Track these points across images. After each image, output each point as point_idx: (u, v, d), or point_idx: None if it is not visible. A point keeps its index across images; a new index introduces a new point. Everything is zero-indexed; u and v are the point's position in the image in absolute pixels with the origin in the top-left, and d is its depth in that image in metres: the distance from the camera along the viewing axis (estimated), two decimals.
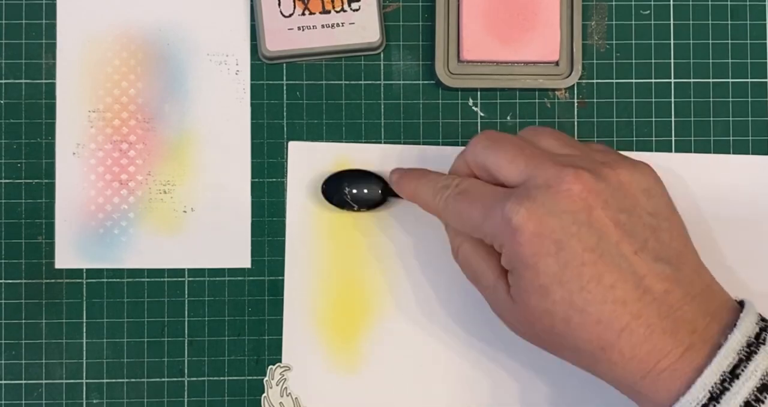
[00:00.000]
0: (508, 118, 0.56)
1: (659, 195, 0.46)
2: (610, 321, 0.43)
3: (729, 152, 0.56)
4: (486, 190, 0.47)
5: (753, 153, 0.56)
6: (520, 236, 0.44)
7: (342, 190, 0.53)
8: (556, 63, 0.55)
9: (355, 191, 0.53)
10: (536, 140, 0.48)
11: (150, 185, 0.55)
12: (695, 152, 0.56)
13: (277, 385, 0.55)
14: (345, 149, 0.55)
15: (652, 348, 0.43)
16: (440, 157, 0.55)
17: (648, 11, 0.56)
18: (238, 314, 0.55)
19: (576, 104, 0.56)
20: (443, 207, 0.48)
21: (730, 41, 0.56)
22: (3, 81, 0.55)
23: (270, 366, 0.55)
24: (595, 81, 0.56)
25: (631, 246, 0.43)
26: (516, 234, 0.44)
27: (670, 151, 0.56)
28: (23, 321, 0.55)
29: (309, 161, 0.55)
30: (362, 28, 0.54)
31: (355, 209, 0.54)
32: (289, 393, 0.54)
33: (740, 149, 0.56)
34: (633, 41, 0.56)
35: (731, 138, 0.56)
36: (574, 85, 0.55)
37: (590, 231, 0.43)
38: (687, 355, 0.42)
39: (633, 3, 0.56)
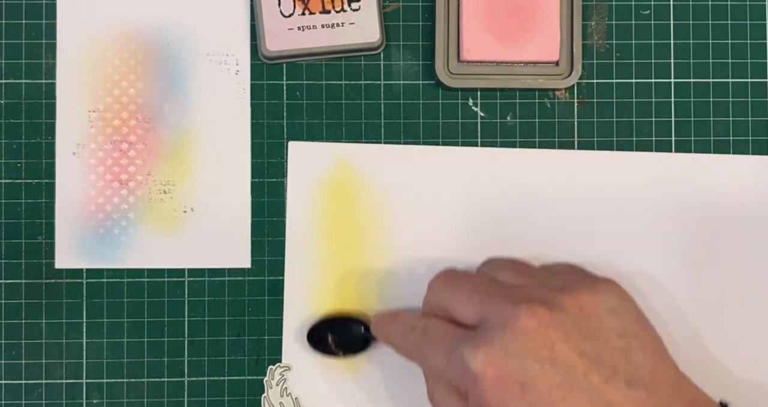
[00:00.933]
0: (508, 118, 0.56)
1: (627, 311, 0.44)
2: None
3: (729, 152, 0.56)
4: (447, 332, 0.46)
5: (753, 153, 0.56)
6: (483, 383, 0.42)
7: (326, 338, 0.53)
8: (556, 63, 0.55)
9: (338, 338, 0.53)
10: (494, 274, 0.48)
11: (150, 185, 0.55)
12: (695, 152, 0.56)
13: (277, 385, 0.55)
14: (345, 149, 0.55)
15: None
16: (439, 157, 0.55)
17: (648, 11, 0.56)
18: (238, 314, 0.55)
19: (576, 104, 0.56)
20: (410, 350, 0.48)
21: (730, 41, 0.56)
22: (3, 81, 0.55)
23: (270, 366, 0.55)
24: (595, 81, 0.56)
25: (601, 375, 0.42)
26: (478, 381, 0.42)
27: (670, 151, 0.56)
28: (23, 321, 0.55)
29: (309, 161, 0.55)
30: (362, 28, 0.54)
31: (340, 355, 0.54)
32: (289, 393, 0.54)
33: (740, 149, 0.56)
34: (633, 41, 0.56)
35: (731, 138, 0.56)
36: (574, 85, 0.55)
37: (554, 367, 0.42)
38: None
39: (633, 3, 0.56)
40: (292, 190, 0.55)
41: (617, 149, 0.55)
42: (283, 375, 0.54)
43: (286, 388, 0.54)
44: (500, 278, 0.47)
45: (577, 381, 0.42)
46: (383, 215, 0.55)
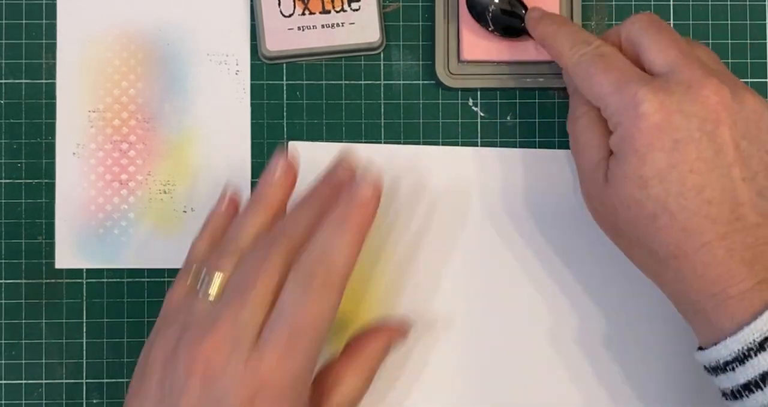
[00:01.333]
0: (508, 118, 0.56)
1: None
2: (694, 233, 0.43)
3: None
4: (626, 65, 0.46)
5: None
6: (642, 122, 0.43)
7: (486, 5, 0.52)
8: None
9: (499, 10, 0.52)
10: (693, 48, 0.47)
11: (150, 185, 0.55)
12: None
13: None
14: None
15: (726, 272, 0.43)
16: (442, 157, 0.55)
17: (648, 11, 0.56)
18: None
19: None
20: (576, 62, 0.47)
21: (730, 41, 0.56)
22: (3, 81, 0.55)
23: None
24: None
25: (742, 173, 0.43)
26: (639, 119, 0.43)
27: None
28: (23, 321, 0.55)
29: (308, 161, 0.55)
30: (362, 28, 0.54)
31: (490, 29, 0.52)
32: None
33: None
34: None
35: None
36: None
37: (710, 143, 0.43)
38: (758, 288, 0.42)
39: (633, 3, 0.56)
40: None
41: None
42: None
43: None
44: (698, 54, 0.47)
45: (720, 165, 0.43)
46: (383, 214, 0.55)
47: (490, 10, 0.52)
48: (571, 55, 0.48)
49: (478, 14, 0.53)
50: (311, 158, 0.55)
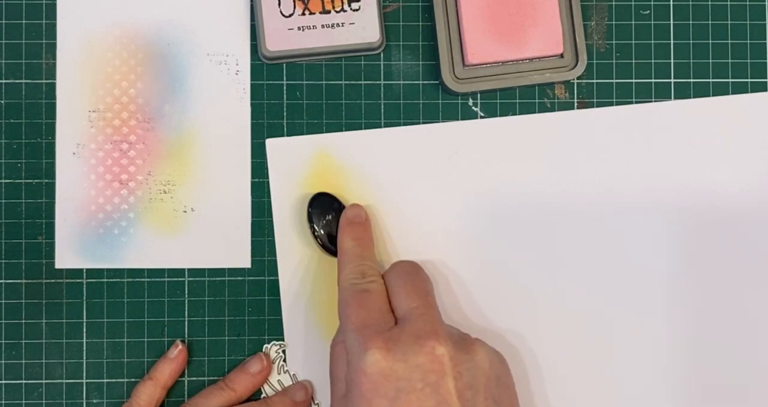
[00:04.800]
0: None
1: (507, 386, 0.48)
2: None
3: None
4: (379, 307, 0.48)
5: None
6: (368, 368, 0.45)
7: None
8: (561, 55, 0.54)
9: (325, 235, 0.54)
10: (432, 293, 0.50)
11: (150, 185, 0.55)
12: None
13: (273, 363, 0.55)
14: (322, 139, 0.55)
15: None
16: (416, 138, 0.55)
17: (648, 11, 0.56)
18: (238, 314, 0.55)
19: (576, 104, 0.56)
20: (343, 288, 0.50)
21: (730, 41, 0.56)
22: (3, 81, 0.55)
23: (265, 345, 0.55)
24: (595, 81, 0.56)
25: None
26: (365, 364, 0.46)
27: None
28: (23, 321, 0.55)
29: (289, 156, 0.55)
30: (362, 28, 0.54)
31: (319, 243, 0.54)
32: (287, 370, 0.54)
33: None
34: (633, 41, 0.56)
35: None
36: (574, 84, 0.55)
37: (433, 394, 0.45)
38: None
39: (633, 3, 0.56)
40: (276, 188, 0.55)
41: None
42: (279, 353, 0.55)
43: (282, 365, 0.55)
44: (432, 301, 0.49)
45: None
46: (369, 199, 0.55)
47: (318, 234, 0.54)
48: (343, 280, 0.50)
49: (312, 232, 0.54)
50: (290, 152, 0.55)
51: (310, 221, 0.54)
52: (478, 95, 0.55)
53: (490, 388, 0.46)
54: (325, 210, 0.53)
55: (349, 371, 0.47)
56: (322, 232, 0.53)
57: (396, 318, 0.48)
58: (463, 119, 0.55)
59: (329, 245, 0.53)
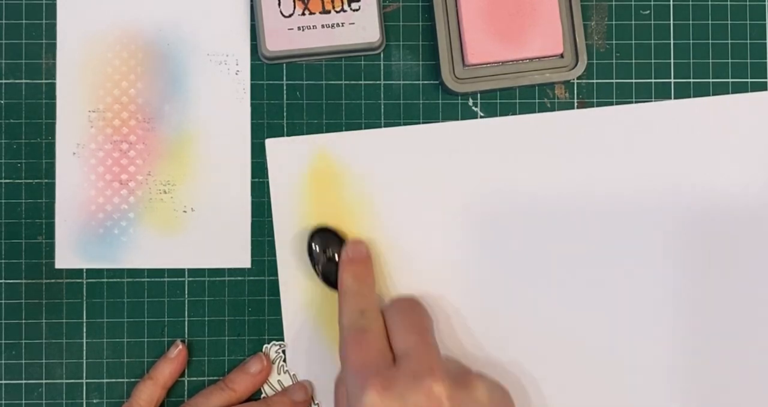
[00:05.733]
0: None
1: None
2: None
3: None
4: (377, 346, 0.48)
5: None
6: None
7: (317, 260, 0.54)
8: (561, 55, 0.54)
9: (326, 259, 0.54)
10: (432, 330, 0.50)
11: (150, 185, 0.55)
12: None
13: (273, 363, 0.55)
14: (321, 139, 0.55)
15: None
16: (416, 138, 0.55)
17: (648, 11, 0.56)
18: (238, 314, 0.55)
19: (576, 104, 0.56)
20: (343, 327, 0.50)
21: (730, 41, 0.56)
22: (3, 81, 0.55)
23: (265, 345, 0.55)
24: (594, 81, 0.56)
25: None
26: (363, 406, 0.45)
27: None
28: (23, 321, 0.55)
29: (288, 156, 0.55)
30: (362, 28, 0.54)
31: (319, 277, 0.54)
32: (287, 371, 0.54)
33: None
34: (633, 41, 0.56)
35: None
36: (574, 84, 0.55)
37: None
38: None
39: (633, 3, 0.56)
40: (275, 188, 0.55)
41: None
42: (279, 353, 0.55)
43: (282, 365, 0.55)
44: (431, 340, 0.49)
45: None
46: (368, 199, 0.55)
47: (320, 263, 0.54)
48: (343, 318, 0.50)
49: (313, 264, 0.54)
50: (290, 152, 0.55)
51: (311, 255, 0.54)
52: (478, 95, 0.55)
53: None
54: (326, 245, 0.53)
55: None
56: (323, 268, 0.53)
57: (394, 356, 0.48)
58: (463, 118, 0.55)
59: (331, 279, 0.53)
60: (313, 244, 0.53)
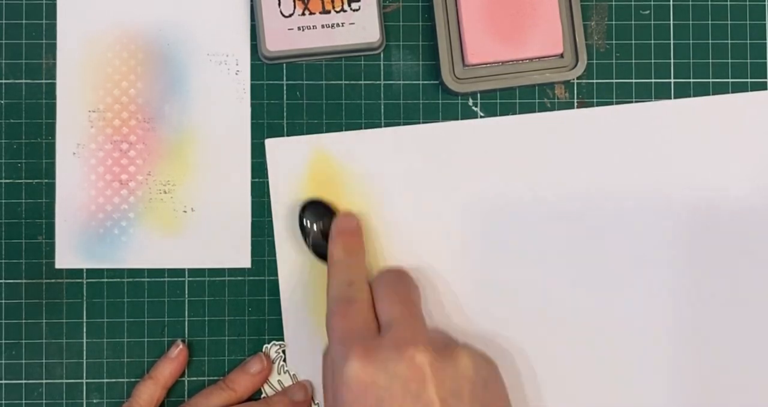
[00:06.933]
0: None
1: (497, 391, 0.47)
2: None
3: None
4: (362, 317, 0.48)
5: None
6: (349, 379, 0.45)
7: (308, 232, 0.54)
8: (561, 55, 0.54)
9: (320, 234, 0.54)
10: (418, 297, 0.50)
11: (150, 185, 0.55)
12: None
13: (273, 363, 0.55)
14: (321, 139, 0.55)
15: None
16: (416, 138, 0.55)
17: (648, 11, 0.56)
18: (238, 314, 0.55)
19: (576, 104, 0.56)
20: (330, 297, 0.50)
21: (730, 41, 0.56)
22: (3, 81, 0.55)
23: (265, 345, 0.55)
24: (594, 81, 0.56)
25: None
26: (346, 375, 0.45)
27: None
28: (23, 321, 0.55)
29: (287, 156, 0.55)
30: (362, 28, 0.54)
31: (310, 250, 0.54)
32: (287, 371, 0.54)
33: None
34: (633, 41, 0.56)
35: None
36: (574, 84, 0.55)
37: (415, 402, 0.44)
38: None
39: (633, 3, 0.56)
40: (275, 188, 0.55)
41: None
42: (279, 353, 0.55)
43: (282, 365, 0.55)
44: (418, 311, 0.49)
45: None
46: (368, 199, 0.55)
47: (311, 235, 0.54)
48: (330, 289, 0.50)
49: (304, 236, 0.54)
50: (289, 152, 0.55)
51: (302, 228, 0.54)
52: (478, 95, 0.56)
53: (477, 394, 0.45)
54: (317, 218, 0.53)
55: (333, 381, 0.47)
56: (314, 240, 0.53)
57: (379, 326, 0.48)
58: (463, 118, 0.55)
59: (322, 252, 0.53)
60: (304, 217, 0.53)
